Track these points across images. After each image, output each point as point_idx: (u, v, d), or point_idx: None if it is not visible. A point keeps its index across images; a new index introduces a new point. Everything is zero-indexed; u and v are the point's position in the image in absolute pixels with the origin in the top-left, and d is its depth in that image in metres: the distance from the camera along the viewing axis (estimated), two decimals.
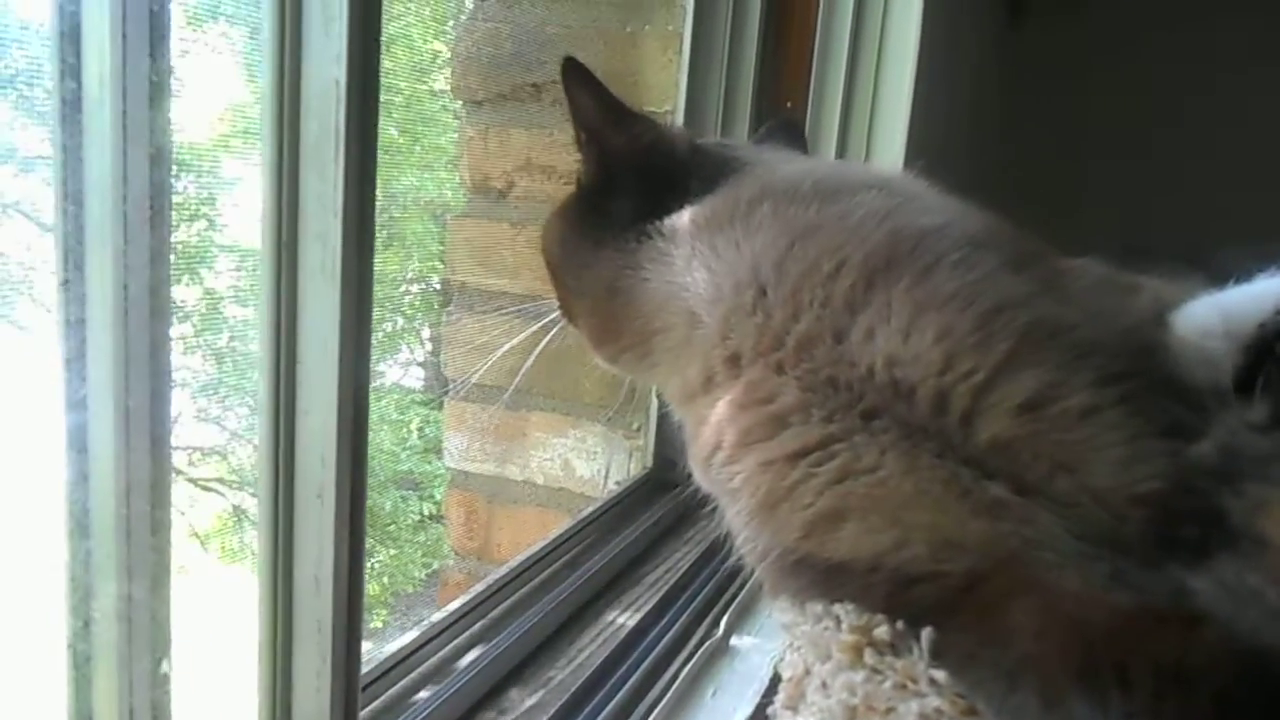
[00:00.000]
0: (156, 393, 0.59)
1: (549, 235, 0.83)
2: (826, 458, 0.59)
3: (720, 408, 0.66)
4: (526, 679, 0.96)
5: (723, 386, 0.67)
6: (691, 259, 0.70)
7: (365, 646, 0.74)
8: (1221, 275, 0.60)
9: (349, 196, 0.59)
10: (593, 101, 0.77)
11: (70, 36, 0.54)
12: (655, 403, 1.50)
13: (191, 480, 3.37)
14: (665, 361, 0.73)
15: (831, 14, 1.47)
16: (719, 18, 1.43)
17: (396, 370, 4.71)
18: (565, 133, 1.58)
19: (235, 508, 3.46)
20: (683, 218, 0.73)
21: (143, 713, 0.62)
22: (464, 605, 1.03)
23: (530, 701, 0.92)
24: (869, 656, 0.54)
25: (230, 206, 1.92)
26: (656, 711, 0.91)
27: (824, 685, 0.55)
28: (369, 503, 0.71)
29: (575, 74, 0.77)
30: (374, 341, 0.71)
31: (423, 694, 0.89)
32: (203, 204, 1.96)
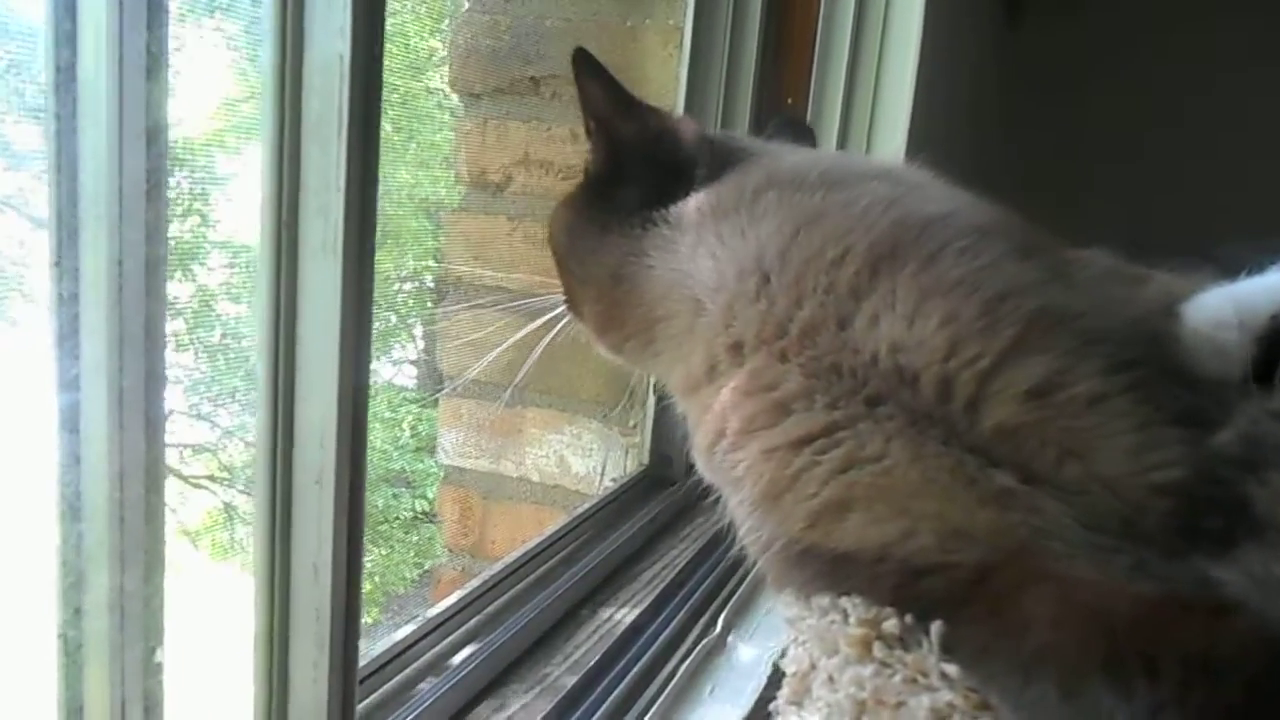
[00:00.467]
0: (151, 373, 0.57)
1: (556, 223, 0.83)
2: (831, 445, 0.58)
3: (724, 395, 0.65)
4: (524, 675, 0.95)
5: (726, 374, 0.66)
6: (696, 246, 0.69)
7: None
8: (1228, 269, 0.60)
9: (352, 171, 0.58)
10: (603, 91, 0.77)
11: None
12: (652, 400, 1.49)
13: (182, 477, 3.35)
14: (668, 350, 0.72)
15: (833, 9, 1.47)
16: (720, 13, 1.42)
17: (389, 368, 4.70)
18: (563, 127, 1.58)
19: (226, 505, 3.45)
20: (688, 205, 0.72)
21: (135, 702, 0.61)
22: (460, 601, 1.02)
23: (527, 698, 0.91)
24: (878, 650, 0.53)
25: (224, 202, 1.91)
26: (654, 709, 0.90)
27: (830, 680, 0.54)
28: None
29: (586, 64, 0.77)
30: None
31: (422, 686, 0.88)
32: (196, 200, 1.95)
